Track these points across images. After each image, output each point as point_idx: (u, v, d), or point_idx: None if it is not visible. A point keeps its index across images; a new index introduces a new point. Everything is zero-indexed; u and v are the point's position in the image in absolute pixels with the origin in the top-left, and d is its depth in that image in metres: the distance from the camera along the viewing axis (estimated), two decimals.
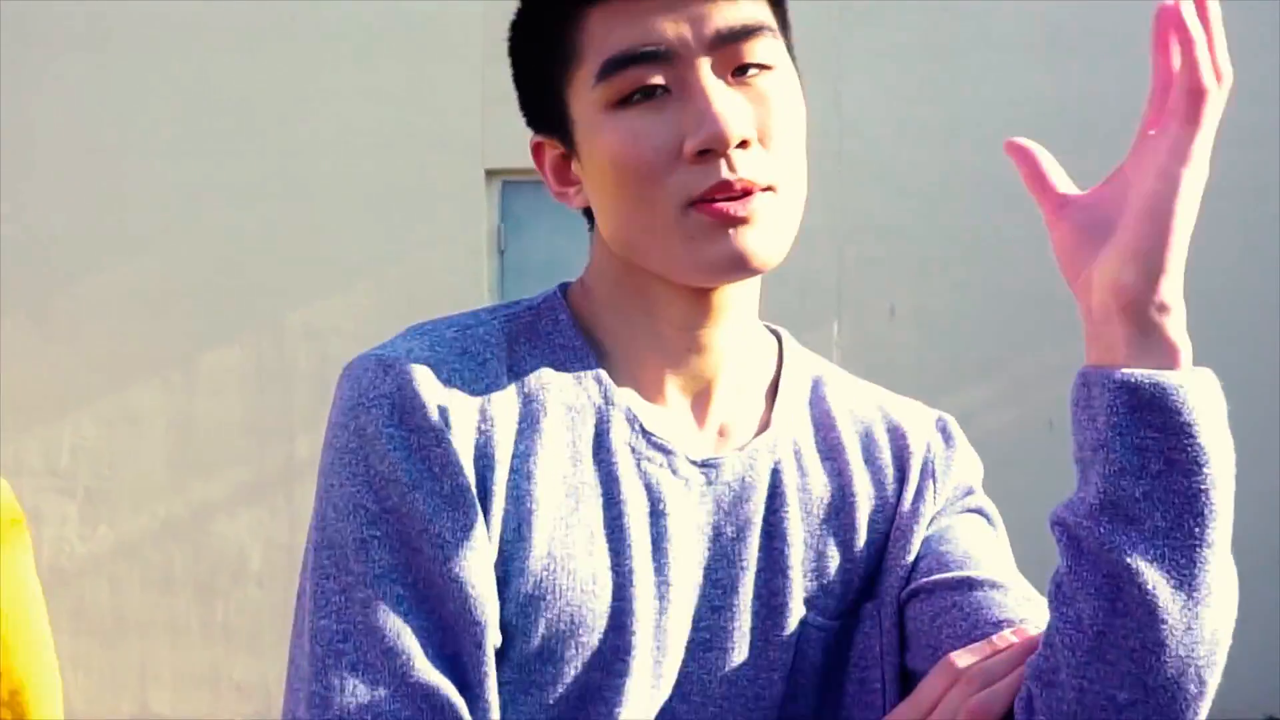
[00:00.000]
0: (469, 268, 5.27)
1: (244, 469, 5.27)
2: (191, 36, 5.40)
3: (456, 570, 0.78)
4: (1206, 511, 0.72)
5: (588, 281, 0.94)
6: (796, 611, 0.89)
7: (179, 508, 5.26)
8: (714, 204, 0.82)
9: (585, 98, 0.87)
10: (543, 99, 0.93)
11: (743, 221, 0.83)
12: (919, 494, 0.95)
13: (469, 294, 5.20)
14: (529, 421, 0.86)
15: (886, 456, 0.97)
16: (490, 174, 5.28)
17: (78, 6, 5.33)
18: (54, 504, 5.05)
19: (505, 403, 0.85)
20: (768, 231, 0.84)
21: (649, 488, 0.87)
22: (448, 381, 0.84)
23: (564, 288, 0.96)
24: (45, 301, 5.15)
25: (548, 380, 0.88)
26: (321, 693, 0.78)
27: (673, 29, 0.84)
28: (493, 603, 0.79)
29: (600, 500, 0.86)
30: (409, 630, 0.78)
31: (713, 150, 0.81)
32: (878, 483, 0.95)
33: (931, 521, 0.96)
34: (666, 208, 0.84)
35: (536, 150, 0.97)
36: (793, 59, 0.91)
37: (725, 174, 0.81)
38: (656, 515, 0.87)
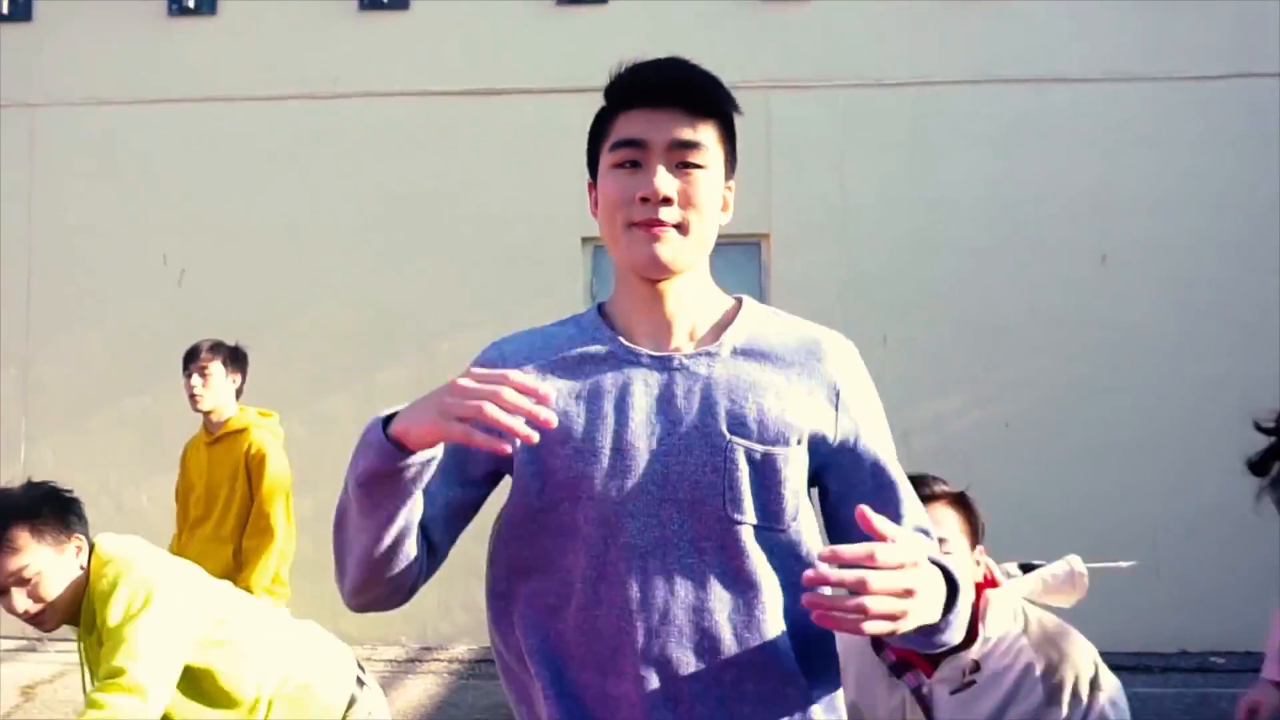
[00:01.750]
0: (568, 309, 6.49)
1: None
2: (368, 147, 6.64)
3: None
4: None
5: (615, 280, 1.44)
6: (721, 435, 1.31)
7: None
8: (640, 226, 1.33)
9: (605, 160, 1.38)
10: (592, 159, 1.42)
11: (655, 239, 1.32)
12: (830, 387, 1.37)
13: None
14: (562, 364, 1.38)
15: (800, 358, 1.37)
16: (585, 240, 6.48)
17: (282, 119, 6.66)
18: None
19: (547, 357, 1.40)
20: (671, 250, 1.33)
21: (623, 374, 1.35)
22: (516, 349, 1.41)
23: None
24: (264, 333, 6.27)
25: (574, 339, 1.40)
26: None
27: (650, 133, 1.34)
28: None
29: (605, 385, 1.35)
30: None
31: (649, 200, 1.32)
32: (791, 374, 1.36)
33: (840, 411, 1.36)
34: (620, 225, 1.35)
35: (590, 188, 1.43)
36: (730, 153, 1.41)
37: (651, 214, 1.32)
38: (624, 389, 1.34)
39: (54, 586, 2.29)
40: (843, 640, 1.56)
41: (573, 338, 1.41)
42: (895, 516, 1.37)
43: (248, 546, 4.04)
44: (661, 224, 1.33)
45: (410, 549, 1.32)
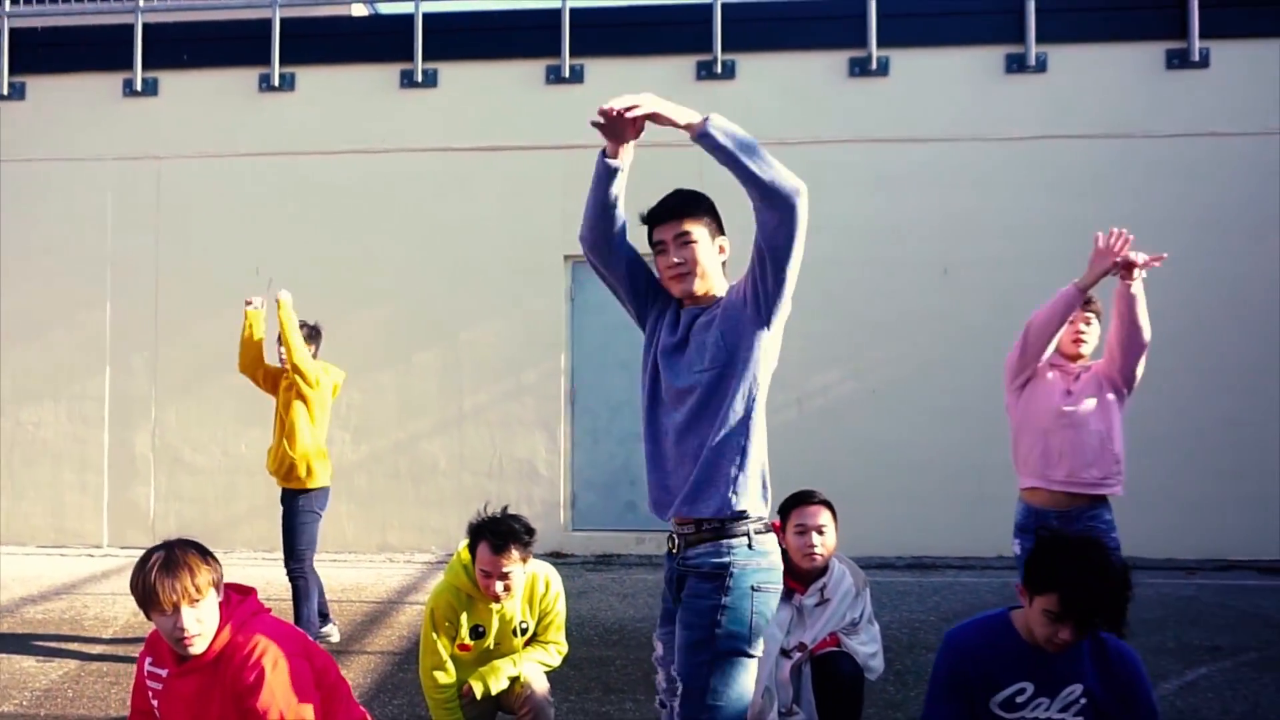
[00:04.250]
0: (555, 306, 8.05)
1: (436, 414, 8.05)
2: (407, 189, 8.09)
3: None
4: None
5: None
6: (696, 363, 2.44)
7: (401, 436, 8.06)
8: (670, 276, 2.53)
9: (654, 248, 2.57)
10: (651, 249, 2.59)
11: (675, 279, 2.52)
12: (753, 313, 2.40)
13: (555, 322, 8.02)
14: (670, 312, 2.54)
15: (736, 302, 2.43)
16: (566, 257, 8.02)
17: (354, 162, 8.26)
18: (336, 433, 7.67)
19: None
20: (687, 282, 2.50)
21: (672, 322, 2.54)
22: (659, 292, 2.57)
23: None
24: (335, 327, 7.61)
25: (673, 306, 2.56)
26: None
27: (663, 233, 2.54)
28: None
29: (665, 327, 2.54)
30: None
31: (671, 264, 2.51)
32: (734, 314, 2.41)
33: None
34: (665, 277, 2.54)
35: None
36: (714, 222, 2.55)
37: (672, 272, 2.51)
38: (671, 328, 2.54)
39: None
40: None
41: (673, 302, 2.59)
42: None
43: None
44: (679, 276, 2.49)
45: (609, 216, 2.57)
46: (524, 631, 3.46)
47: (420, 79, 8.22)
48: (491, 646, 3.43)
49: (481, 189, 8.13)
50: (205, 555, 2.40)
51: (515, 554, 3.21)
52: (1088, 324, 4.16)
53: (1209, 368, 7.58)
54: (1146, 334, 3.92)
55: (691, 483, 2.41)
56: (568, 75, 8.13)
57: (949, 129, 7.92)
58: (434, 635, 3.35)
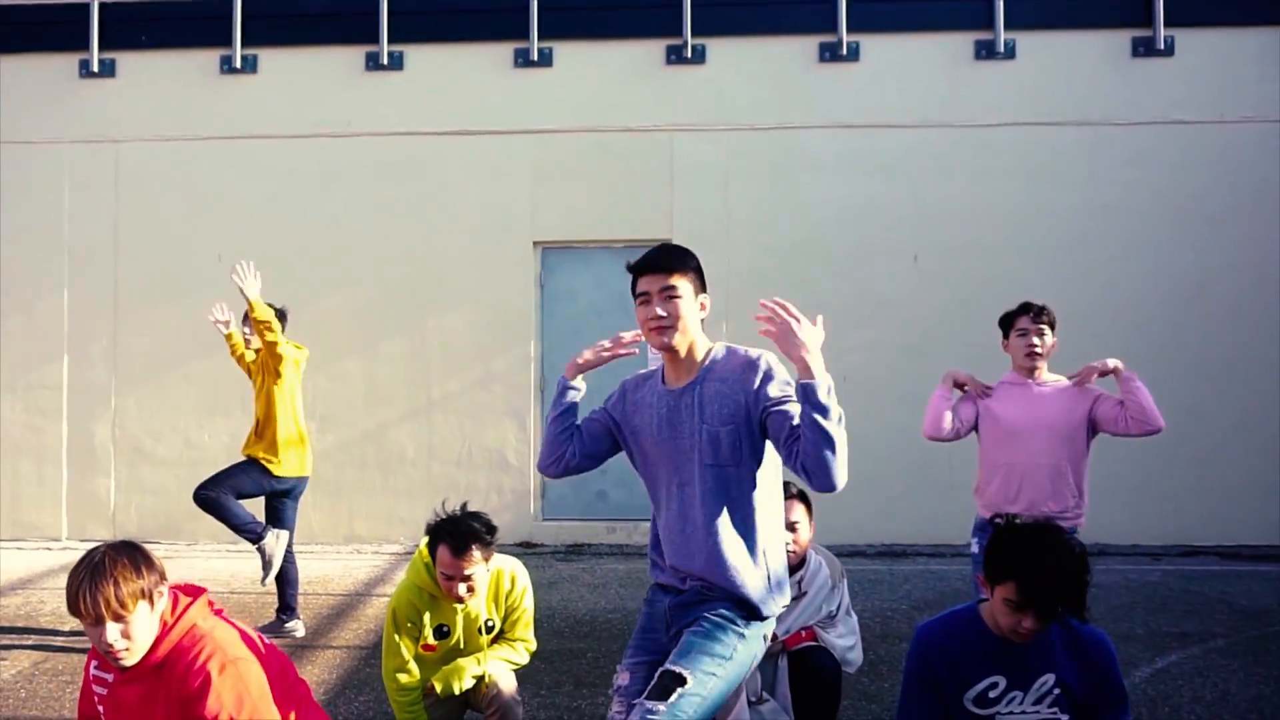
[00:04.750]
0: (525, 294, 7.93)
1: (404, 403, 7.91)
2: (372, 173, 7.91)
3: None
4: None
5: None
6: (701, 424, 2.48)
7: (369, 425, 7.92)
8: (651, 328, 2.53)
9: (636, 299, 2.55)
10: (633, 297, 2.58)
11: (656, 331, 2.52)
12: (758, 389, 2.42)
13: (525, 309, 7.89)
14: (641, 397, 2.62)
15: (743, 375, 2.46)
16: (535, 244, 7.90)
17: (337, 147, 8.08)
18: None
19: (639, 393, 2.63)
20: (667, 335, 2.51)
21: (664, 398, 2.56)
22: (623, 391, 2.68)
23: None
24: (300, 315, 7.60)
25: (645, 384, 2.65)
26: None
27: (648, 284, 2.53)
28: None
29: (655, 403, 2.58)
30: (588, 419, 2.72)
31: (654, 316, 2.51)
32: (737, 387, 2.46)
33: (764, 400, 2.40)
34: (646, 329, 2.55)
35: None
36: (698, 280, 2.55)
37: (653, 325, 2.52)
38: (661, 405, 2.56)
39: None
40: None
41: (651, 381, 2.64)
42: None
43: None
44: (660, 329, 2.49)
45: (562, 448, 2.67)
46: (490, 629, 3.35)
47: (386, 62, 8.04)
48: (459, 646, 3.32)
49: (449, 174, 7.98)
50: (139, 563, 2.25)
51: (477, 554, 3.09)
52: (1040, 336, 4.09)
53: (1171, 356, 7.59)
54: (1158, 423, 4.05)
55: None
56: (536, 59, 7.98)
57: (919, 115, 7.87)
58: (396, 636, 3.24)
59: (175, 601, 2.37)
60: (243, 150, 8.09)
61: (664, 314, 2.48)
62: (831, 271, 7.75)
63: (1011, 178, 7.77)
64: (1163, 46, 7.76)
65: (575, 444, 2.68)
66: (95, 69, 8.18)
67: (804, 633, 3.31)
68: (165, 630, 2.30)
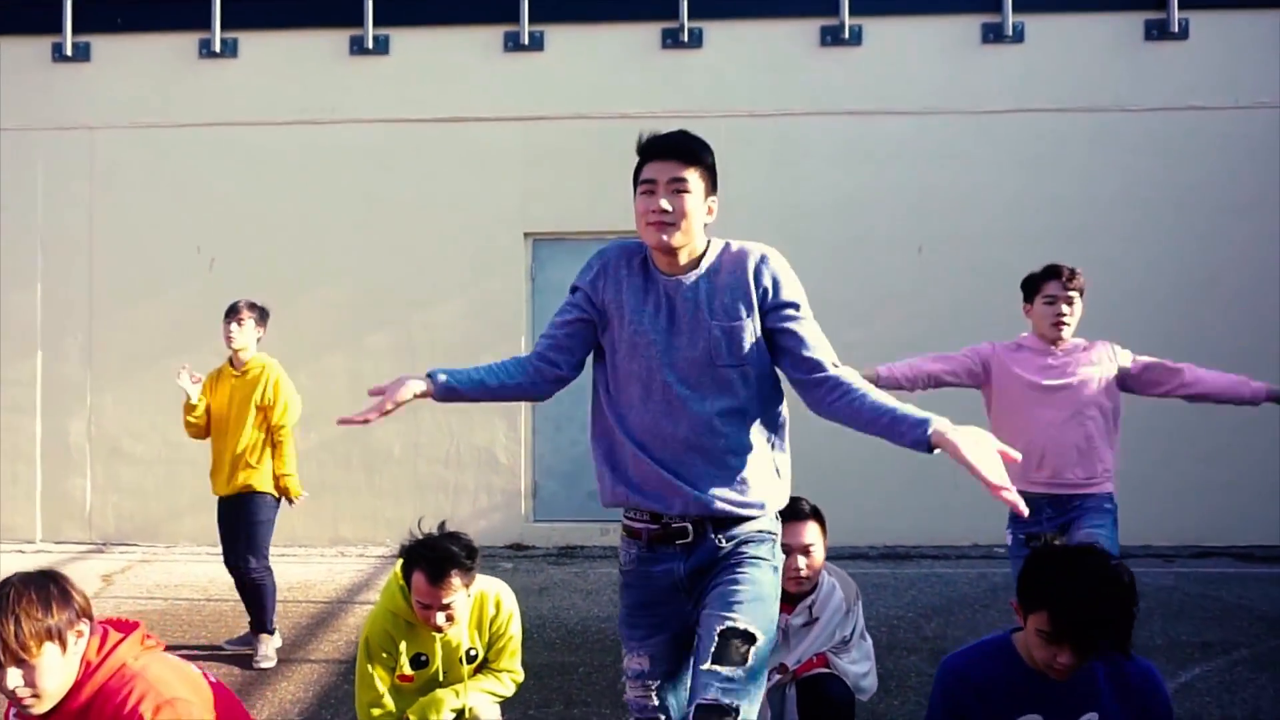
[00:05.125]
0: (515, 286, 7.64)
1: None
2: (357, 161, 7.59)
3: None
4: None
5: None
6: (707, 321, 2.16)
7: None
8: (651, 224, 2.17)
9: (638, 187, 2.20)
10: (634, 183, 2.23)
11: (655, 226, 2.16)
12: (769, 290, 2.19)
13: (515, 303, 7.61)
14: (627, 280, 2.24)
15: (745, 269, 2.20)
16: (526, 235, 7.63)
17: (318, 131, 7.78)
18: None
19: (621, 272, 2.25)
20: (667, 233, 2.15)
21: (655, 284, 2.22)
22: (604, 266, 2.28)
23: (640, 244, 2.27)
24: (281, 309, 7.30)
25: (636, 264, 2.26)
26: None
27: (656, 172, 2.17)
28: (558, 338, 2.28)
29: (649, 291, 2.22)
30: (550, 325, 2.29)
31: (657, 209, 2.15)
32: (740, 280, 2.19)
33: (774, 303, 2.18)
34: (642, 223, 2.18)
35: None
36: (711, 179, 2.20)
37: (656, 219, 2.15)
38: (656, 291, 2.22)
39: None
40: None
41: (634, 262, 2.29)
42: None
43: (277, 440, 5.00)
44: (661, 224, 2.16)
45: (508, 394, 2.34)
46: (473, 658, 3.06)
47: (371, 45, 7.72)
48: (438, 676, 3.03)
49: (436, 162, 7.68)
50: (50, 599, 1.97)
51: (456, 582, 2.80)
52: (1070, 304, 3.79)
53: (1182, 349, 7.14)
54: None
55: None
56: (527, 42, 7.67)
57: (923, 101, 7.57)
58: (369, 667, 2.95)
59: (104, 638, 2.08)
60: (222, 138, 7.77)
61: (669, 208, 2.16)
62: (833, 264, 7.43)
63: (1019, 166, 7.49)
64: (1176, 29, 7.47)
65: (550, 364, 2.33)
66: (69, 53, 7.86)
67: (815, 659, 3.03)
68: (88, 672, 2.02)
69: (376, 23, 7.70)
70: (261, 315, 5.10)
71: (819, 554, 3.03)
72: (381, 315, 7.67)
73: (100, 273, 7.82)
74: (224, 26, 7.77)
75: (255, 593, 4.92)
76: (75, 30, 7.85)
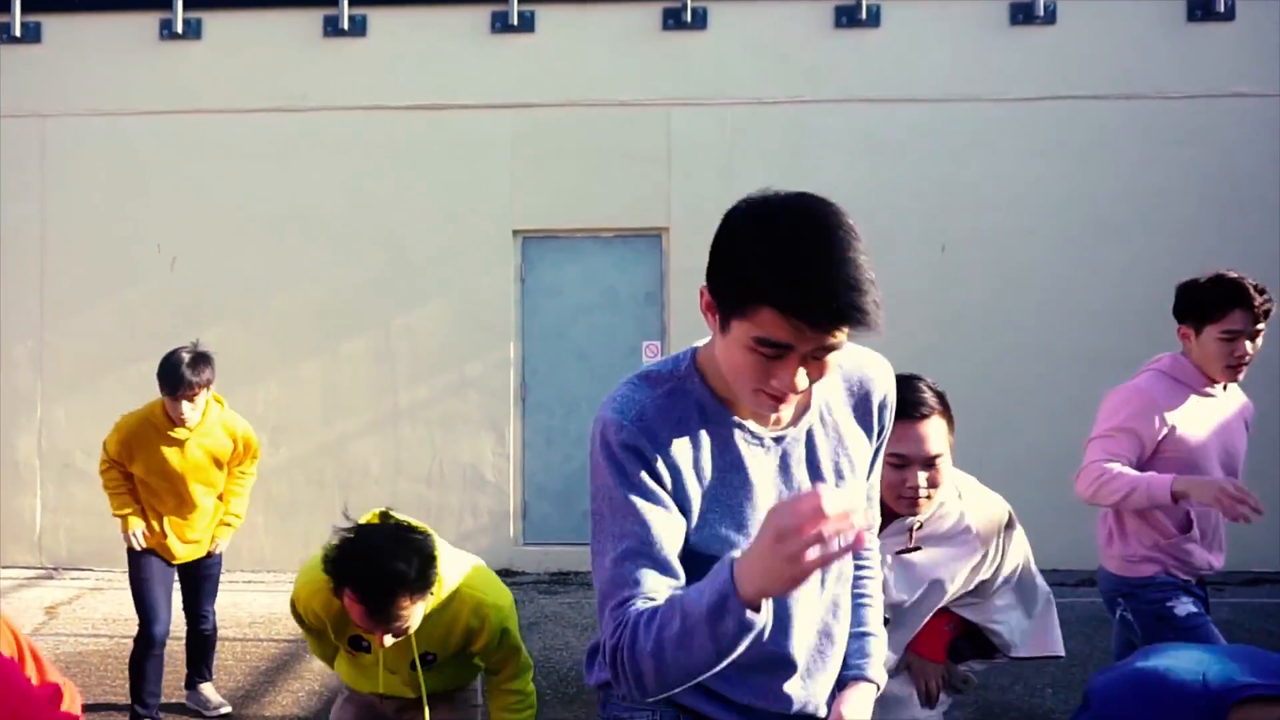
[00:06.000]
0: (503, 288, 7.05)
1: (367, 412, 7.03)
2: (331, 152, 7.02)
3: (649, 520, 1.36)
4: None
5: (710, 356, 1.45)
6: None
7: (327, 437, 7.02)
8: (770, 397, 1.35)
9: (741, 331, 1.32)
10: (724, 300, 1.36)
11: (778, 407, 1.37)
12: (880, 422, 1.57)
13: (503, 306, 7.03)
14: (695, 443, 1.41)
15: (863, 404, 1.55)
16: (515, 232, 7.03)
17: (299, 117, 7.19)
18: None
19: (683, 437, 1.40)
20: (779, 407, 1.37)
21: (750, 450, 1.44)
22: (655, 434, 1.38)
23: (693, 352, 1.48)
24: (249, 312, 6.93)
25: (697, 418, 1.42)
26: (612, 554, 1.37)
27: (798, 342, 1.30)
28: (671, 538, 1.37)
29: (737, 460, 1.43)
30: (641, 541, 1.35)
31: (783, 389, 1.33)
32: (860, 421, 1.55)
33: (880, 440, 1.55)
34: (747, 389, 1.36)
35: (703, 292, 1.42)
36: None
37: (782, 397, 1.35)
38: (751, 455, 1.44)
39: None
40: None
41: (694, 412, 1.45)
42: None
43: (239, 484, 4.30)
44: (786, 401, 1.37)
45: None
46: (430, 662, 2.51)
47: (346, 27, 7.10)
48: (382, 668, 2.54)
49: (418, 154, 7.07)
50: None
51: (405, 603, 2.20)
52: (1254, 339, 2.86)
53: None
54: None
55: None
56: (516, 23, 7.05)
57: (947, 88, 6.97)
58: (307, 634, 2.63)
59: None
60: (185, 127, 7.14)
61: (806, 387, 1.37)
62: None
63: (1050, 158, 6.90)
64: (1222, 9, 6.87)
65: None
66: (18, 34, 7.21)
67: (943, 622, 2.21)
68: None
69: (352, 2, 7.09)
70: (210, 372, 4.02)
71: (947, 465, 2.07)
72: (358, 319, 7.07)
73: (52, 273, 7.20)
74: (186, 6, 7.16)
75: (210, 641, 4.43)
76: (25, 9, 7.22)
